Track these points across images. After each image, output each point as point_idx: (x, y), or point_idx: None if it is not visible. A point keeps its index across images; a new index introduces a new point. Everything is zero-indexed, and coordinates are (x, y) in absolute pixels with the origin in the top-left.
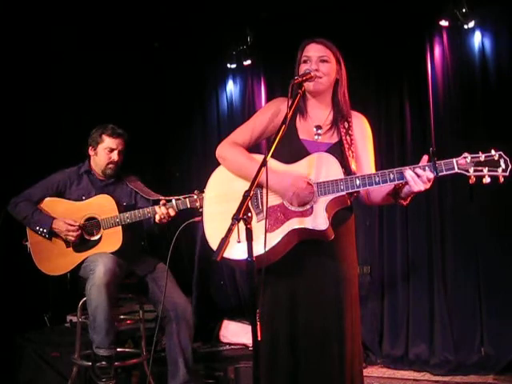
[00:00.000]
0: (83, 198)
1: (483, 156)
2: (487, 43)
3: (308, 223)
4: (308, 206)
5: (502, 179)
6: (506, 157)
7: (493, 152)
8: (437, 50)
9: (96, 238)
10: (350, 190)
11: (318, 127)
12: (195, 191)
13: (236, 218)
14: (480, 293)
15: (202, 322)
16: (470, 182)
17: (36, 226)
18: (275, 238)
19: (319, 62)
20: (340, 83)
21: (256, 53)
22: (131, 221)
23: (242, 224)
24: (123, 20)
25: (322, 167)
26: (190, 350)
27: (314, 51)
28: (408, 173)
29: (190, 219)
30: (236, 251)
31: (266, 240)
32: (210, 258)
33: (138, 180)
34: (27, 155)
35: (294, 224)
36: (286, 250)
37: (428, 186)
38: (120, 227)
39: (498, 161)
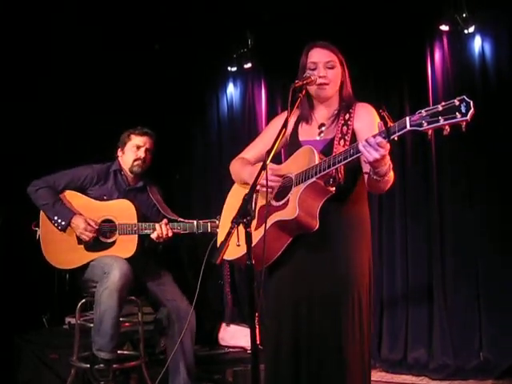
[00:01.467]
0: (104, 197)
1: (441, 106)
2: (487, 48)
3: (282, 215)
4: (286, 199)
5: (464, 127)
6: (468, 99)
7: (456, 98)
8: (437, 55)
9: (110, 240)
10: (319, 174)
11: (322, 125)
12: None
13: (235, 222)
14: (479, 297)
15: (201, 325)
16: (428, 137)
17: (55, 215)
18: (259, 235)
19: (326, 69)
20: (345, 84)
21: (256, 56)
22: (148, 232)
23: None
24: (124, 21)
25: (301, 160)
26: (192, 353)
27: (320, 57)
28: (359, 144)
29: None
30: (235, 251)
31: (265, 240)
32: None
33: (159, 193)
34: (26, 156)
35: (273, 218)
36: (279, 247)
37: (381, 151)
38: (136, 236)
39: (459, 106)
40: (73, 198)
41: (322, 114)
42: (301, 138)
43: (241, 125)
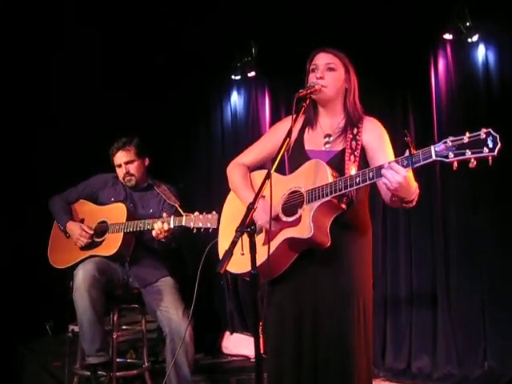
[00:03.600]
0: (112, 199)
1: (467, 137)
2: (491, 57)
3: (294, 232)
4: (297, 215)
5: (491, 161)
6: (494, 134)
7: (482, 130)
8: (441, 63)
9: (100, 239)
10: (334, 194)
11: (328, 135)
12: (196, 212)
13: (240, 231)
14: (484, 306)
15: (205, 334)
16: (454, 168)
17: (58, 221)
18: (273, 247)
19: (326, 71)
20: (349, 92)
21: (260, 65)
22: (133, 229)
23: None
24: (129, 30)
25: (312, 174)
26: (186, 366)
27: (322, 59)
28: (382, 169)
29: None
30: (239, 264)
31: (269, 252)
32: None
33: (167, 188)
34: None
35: (284, 235)
36: (287, 262)
37: (400, 178)
38: (122, 233)
39: (485, 139)
40: (80, 205)
41: (326, 123)
42: (307, 147)
43: (245, 133)
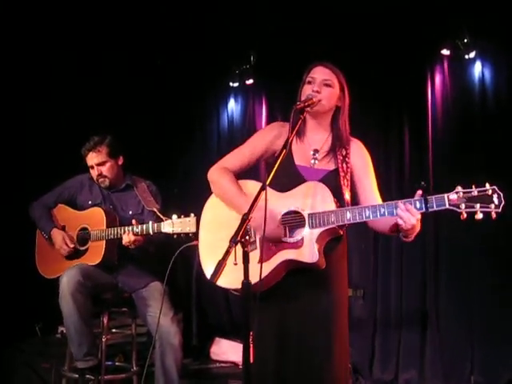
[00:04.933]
0: (89, 203)
1: (476, 191)
2: (487, 74)
3: (299, 255)
4: (299, 238)
5: (494, 215)
6: (499, 192)
7: (487, 186)
8: (437, 79)
9: (84, 248)
10: (341, 223)
11: (316, 151)
12: (174, 215)
13: (234, 241)
14: (472, 321)
15: (195, 340)
16: (462, 218)
17: (41, 230)
18: (266, 269)
19: (322, 85)
20: (341, 111)
21: (258, 73)
22: (114, 237)
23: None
24: (128, 35)
25: (314, 197)
26: (175, 371)
27: (320, 74)
28: (398, 209)
29: (189, 242)
30: (231, 279)
31: (261, 269)
32: (205, 280)
33: (146, 187)
34: (28, 169)
35: (285, 255)
36: (276, 279)
37: (415, 221)
38: (104, 241)
39: (491, 196)
40: (60, 211)
41: (314, 137)
42: (297, 162)
43: (241, 140)
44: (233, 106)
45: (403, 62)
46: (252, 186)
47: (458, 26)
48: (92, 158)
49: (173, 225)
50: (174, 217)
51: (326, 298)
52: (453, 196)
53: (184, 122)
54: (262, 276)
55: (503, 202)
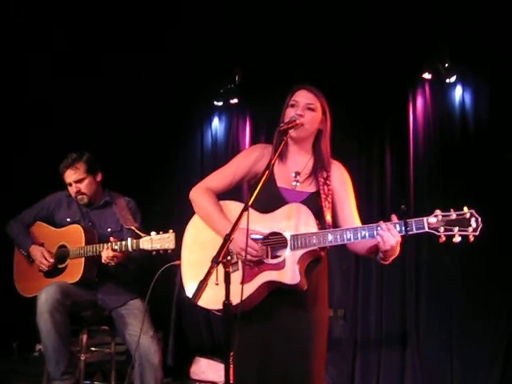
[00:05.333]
0: (68, 220)
1: (454, 214)
2: (467, 98)
3: (280, 276)
4: (281, 259)
5: (472, 238)
6: (477, 215)
7: (465, 210)
8: (419, 102)
9: (63, 266)
10: (322, 245)
11: (297, 173)
12: (153, 232)
13: (215, 261)
14: (451, 341)
15: (176, 359)
16: (440, 240)
17: (19, 247)
18: (248, 290)
19: (305, 109)
20: (323, 134)
21: (243, 92)
22: (93, 254)
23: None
24: (112, 49)
25: (296, 219)
26: None
27: (303, 97)
28: (379, 228)
29: (170, 262)
30: (211, 300)
31: (242, 290)
32: (186, 300)
33: (125, 202)
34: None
35: (267, 277)
36: (258, 300)
37: (394, 242)
38: (83, 259)
39: (469, 220)
40: (38, 228)
41: (296, 160)
42: (279, 184)
43: (223, 159)
44: (217, 125)
45: (386, 84)
46: (234, 207)
47: (439, 50)
48: (70, 176)
49: (151, 241)
50: (153, 233)
51: (306, 318)
52: (432, 219)
53: (168, 140)
54: (244, 297)
55: (481, 226)
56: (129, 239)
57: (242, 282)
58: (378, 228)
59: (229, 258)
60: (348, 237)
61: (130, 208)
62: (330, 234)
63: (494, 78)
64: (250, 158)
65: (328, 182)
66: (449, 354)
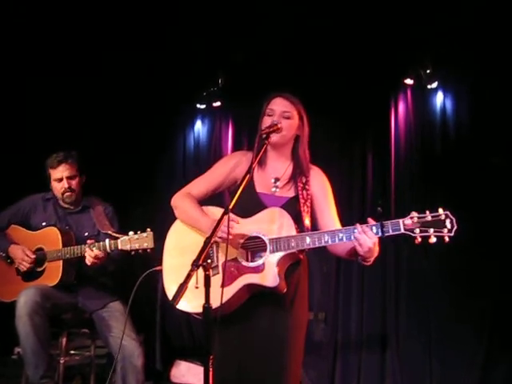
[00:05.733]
0: (43, 224)
1: (430, 216)
2: (448, 104)
3: (260, 279)
4: (260, 262)
5: (447, 239)
6: (452, 217)
7: (440, 211)
8: (401, 107)
9: (41, 269)
10: (300, 248)
11: (277, 179)
12: (130, 232)
13: (195, 265)
14: (431, 344)
15: (154, 361)
16: (416, 242)
17: None
18: (228, 293)
19: (282, 117)
20: (301, 140)
21: (226, 95)
22: (71, 256)
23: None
24: (95, 53)
25: (275, 223)
26: None
27: (279, 106)
28: (355, 231)
29: (151, 263)
30: (192, 303)
31: (222, 293)
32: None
33: (103, 208)
34: None
35: (247, 280)
36: (239, 303)
37: (371, 244)
38: (61, 261)
39: (444, 221)
40: (13, 231)
41: (275, 166)
42: (258, 190)
43: (206, 162)
44: (199, 128)
45: (368, 89)
46: (216, 211)
47: (421, 56)
48: (63, 170)
49: (130, 241)
50: (131, 233)
51: (285, 321)
52: (408, 221)
53: (150, 142)
54: (224, 300)
55: (455, 227)
56: (106, 240)
57: (222, 286)
58: (355, 231)
59: (209, 261)
60: (326, 240)
61: (106, 214)
62: (308, 237)
63: (474, 84)
64: (228, 165)
65: (307, 186)
66: (427, 357)
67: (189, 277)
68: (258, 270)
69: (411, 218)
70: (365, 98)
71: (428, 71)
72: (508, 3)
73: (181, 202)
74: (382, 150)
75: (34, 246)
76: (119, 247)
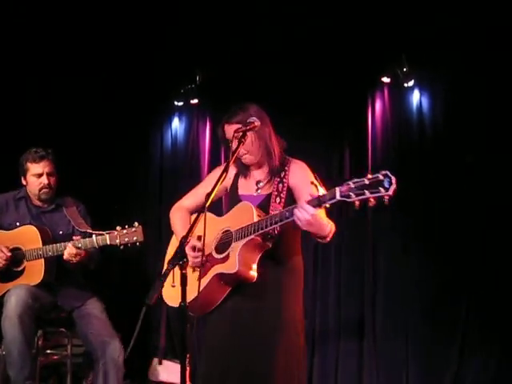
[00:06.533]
0: (17, 224)
1: (367, 179)
2: (424, 102)
3: (224, 267)
4: (226, 253)
5: (386, 201)
6: (391, 175)
7: (380, 172)
8: (378, 105)
9: (19, 269)
10: (258, 232)
11: (258, 182)
12: (118, 227)
13: (172, 263)
14: (407, 344)
15: (133, 360)
16: (356, 207)
17: None
18: (202, 285)
19: (237, 140)
20: (270, 145)
21: (204, 92)
22: (53, 254)
23: None
24: (69, 47)
25: (240, 215)
26: None
27: (229, 132)
28: (295, 209)
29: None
30: (175, 298)
31: (199, 289)
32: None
33: (75, 207)
34: None
35: (216, 270)
36: (219, 296)
37: (308, 216)
38: (42, 260)
39: (382, 181)
40: None
41: (257, 171)
42: (240, 192)
43: (184, 160)
44: (177, 125)
45: (345, 87)
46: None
47: (398, 54)
48: (44, 166)
49: (119, 236)
50: (118, 228)
51: (273, 314)
52: (343, 188)
53: (127, 140)
54: (200, 291)
55: (394, 185)
56: (93, 236)
57: (199, 278)
58: (295, 208)
59: (185, 260)
60: (276, 220)
61: (79, 211)
62: (263, 221)
63: (449, 82)
64: (216, 175)
65: (284, 179)
66: (404, 353)
67: (165, 275)
68: (225, 259)
69: (347, 184)
70: (342, 97)
71: (404, 69)
72: (482, 2)
73: (172, 215)
74: (360, 148)
75: (10, 246)
76: (108, 242)
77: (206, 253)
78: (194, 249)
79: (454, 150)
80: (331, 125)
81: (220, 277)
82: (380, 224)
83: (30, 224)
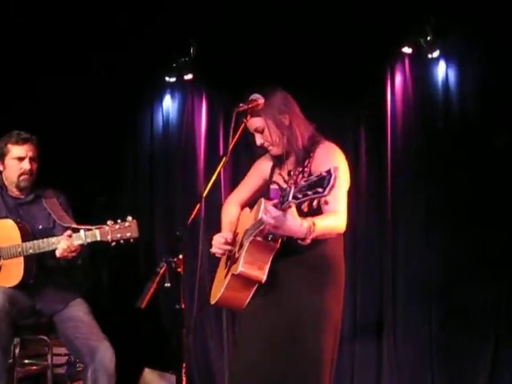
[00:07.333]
0: None
1: (315, 176)
2: (451, 75)
3: (233, 269)
4: (239, 253)
5: (322, 200)
6: (332, 173)
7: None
8: (398, 79)
9: None
10: (254, 232)
11: (289, 172)
12: (109, 221)
13: (165, 261)
14: (431, 336)
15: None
16: (303, 209)
17: None
18: (224, 284)
19: (258, 135)
20: (293, 134)
21: (199, 66)
22: (34, 252)
23: None
24: (55, 23)
25: (256, 213)
26: None
27: (250, 126)
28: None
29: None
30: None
31: (198, 284)
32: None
33: (55, 198)
34: None
35: (231, 271)
36: (245, 296)
37: (271, 220)
38: (22, 258)
39: (324, 178)
40: None
41: (289, 161)
42: (271, 186)
43: (176, 141)
44: (169, 104)
45: (361, 59)
46: (245, 212)
47: (421, 22)
48: (28, 150)
49: (110, 232)
50: (110, 223)
51: (288, 313)
52: (297, 188)
53: (111, 121)
54: (221, 292)
55: (331, 184)
56: (81, 231)
57: (199, 280)
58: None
59: (180, 256)
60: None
61: (60, 203)
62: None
63: (480, 52)
64: (263, 166)
65: (306, 168)
66: (428, 352)
67: (157, 274)
68: (238, 259)
69: (299, 184)
70: (357, 69)
71: (428, 38)
72: None
73: (223, 213)
74: (377, 127)
75: None
76: (98, 238)
77: (234, 249)
78: (223, 239)
79: (485, 132)
80: (345, 101)
81: (235, 277)
82: (401, 210)
83: (7, 218)
